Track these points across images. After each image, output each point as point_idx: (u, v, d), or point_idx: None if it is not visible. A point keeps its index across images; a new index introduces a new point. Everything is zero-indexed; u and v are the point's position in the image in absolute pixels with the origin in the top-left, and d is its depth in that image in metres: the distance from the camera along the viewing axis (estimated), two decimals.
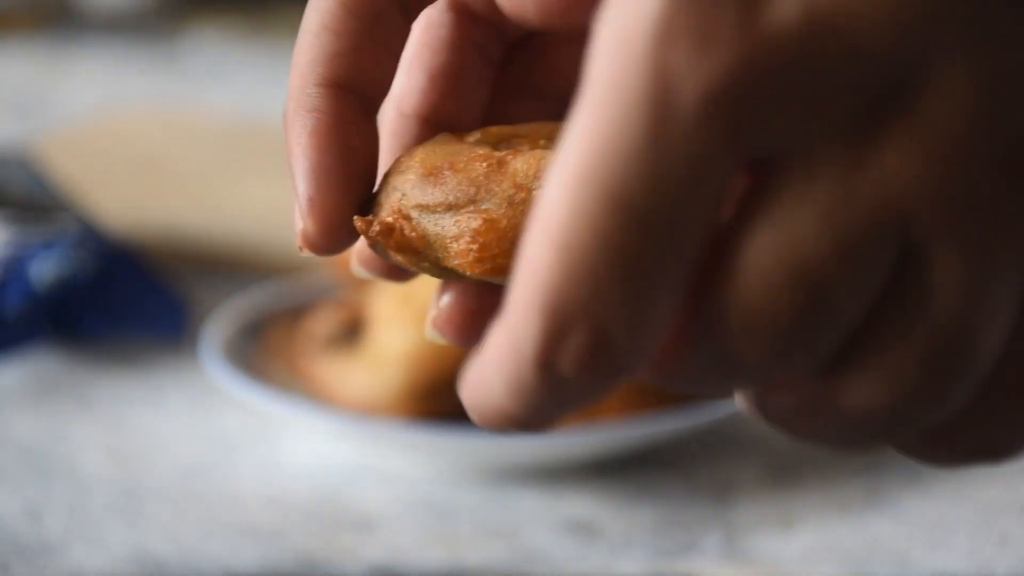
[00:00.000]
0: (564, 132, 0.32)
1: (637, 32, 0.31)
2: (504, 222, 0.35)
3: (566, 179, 0.31)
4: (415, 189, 0.37)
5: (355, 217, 0.37)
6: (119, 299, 0.99)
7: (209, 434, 0.89)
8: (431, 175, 0.37)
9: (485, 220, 0.35)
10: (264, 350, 0.92)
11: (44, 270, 0.96)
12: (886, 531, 0.80)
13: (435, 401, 0.85)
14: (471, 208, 0.36)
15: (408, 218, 0.36)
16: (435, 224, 0.36)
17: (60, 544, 0.78)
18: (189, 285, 1.07)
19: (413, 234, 0.36)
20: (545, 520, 0.81)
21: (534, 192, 0.36)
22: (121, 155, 1.36)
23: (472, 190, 0.36)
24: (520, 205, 0.35)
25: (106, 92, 1.69)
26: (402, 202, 0.37)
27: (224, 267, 1.12)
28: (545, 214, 0.31)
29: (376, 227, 0.37)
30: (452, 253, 0.36)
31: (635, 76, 0.31)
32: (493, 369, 0.33)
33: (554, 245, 0.31)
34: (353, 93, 0.40)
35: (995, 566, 0.77)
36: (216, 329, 0.91)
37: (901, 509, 0.82)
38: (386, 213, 0.37)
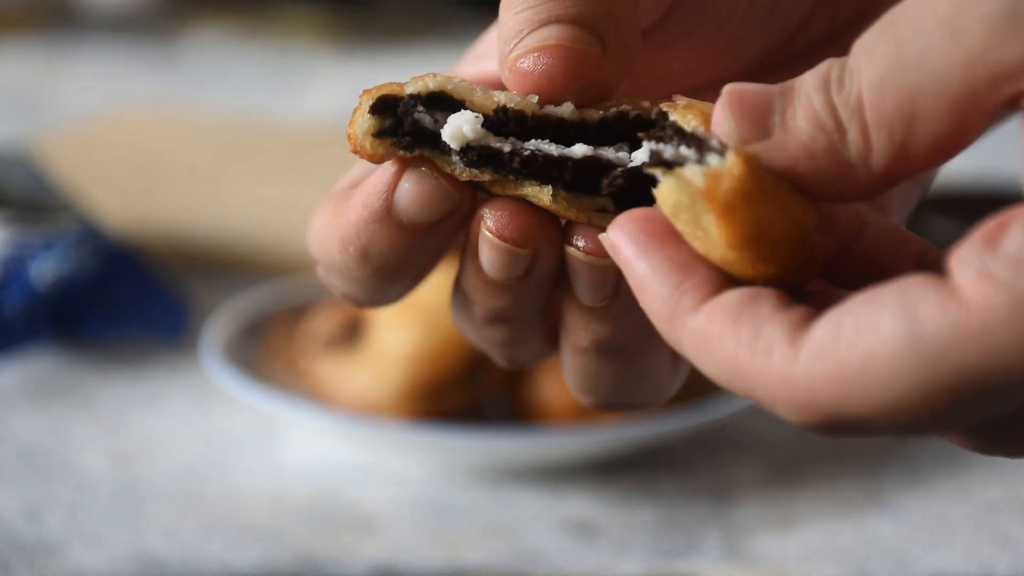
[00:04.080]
0: None
1: None
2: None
3: None
4: None
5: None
6: (119, 299, 0.99)
7: (209, 434, 0.89)
8: None
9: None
10: (264, 350, 0.92)
11: (44, 270, 0.96)
12: (886, 531, 0.80)
13: (435, 401, 0.85)
14: None
15: None
16: None
17: (60, 544, 0.78)
18: (189, 285, 1.07)
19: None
20: (545, 520, 0.81)
21: None
22: (121, 155, 1.36)
23: None
24: None
25: (106, 92, 1.68)
26: None
27: (224, 267, 1.12)
28: None
29: None
30: None
31: None
32: None
33: None
34: None
35: (995, 566, 0.77)
36: (216, 329, 0.91)
37: (901, 509, 0.82)
38: None
